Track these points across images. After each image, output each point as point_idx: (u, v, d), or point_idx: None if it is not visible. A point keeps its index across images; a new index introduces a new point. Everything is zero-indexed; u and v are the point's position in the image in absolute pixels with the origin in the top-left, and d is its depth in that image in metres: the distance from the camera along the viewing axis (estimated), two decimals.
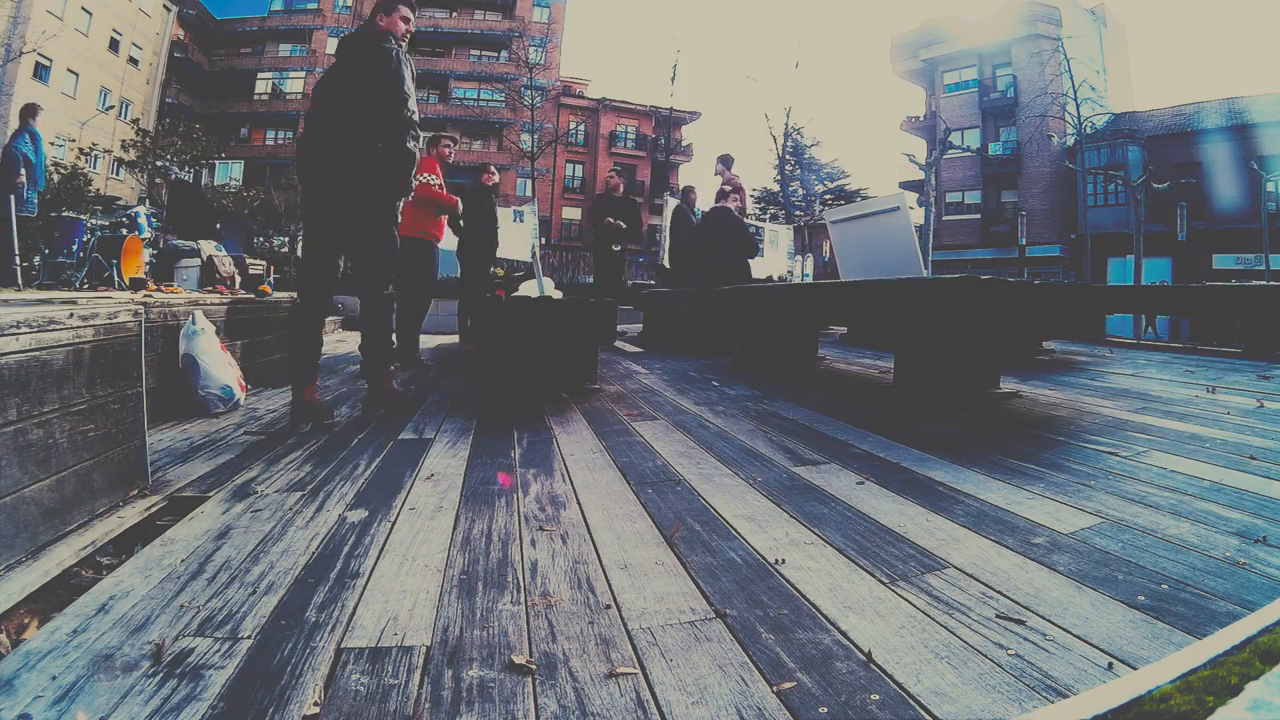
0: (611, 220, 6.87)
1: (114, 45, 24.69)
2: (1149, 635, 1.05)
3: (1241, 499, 1.67)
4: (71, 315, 1.50)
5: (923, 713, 0.88)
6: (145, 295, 3.86)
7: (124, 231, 6.31)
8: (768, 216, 30.57)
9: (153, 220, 7.08)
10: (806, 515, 1.63)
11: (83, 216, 6.78)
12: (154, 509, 1.67)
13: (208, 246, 5.88)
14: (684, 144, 33.46)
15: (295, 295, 2.72)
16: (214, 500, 1.74)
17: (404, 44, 2.75)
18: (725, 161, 6.60)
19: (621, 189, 7.47)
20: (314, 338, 2.67)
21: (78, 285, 5.82)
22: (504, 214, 11.02)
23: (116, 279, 5.70)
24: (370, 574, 1.31)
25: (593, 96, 32.19)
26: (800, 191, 33.00)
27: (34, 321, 1.38)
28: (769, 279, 9.95)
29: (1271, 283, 7.08)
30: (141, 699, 0.91)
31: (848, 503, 1.72)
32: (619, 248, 7.13)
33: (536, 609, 1.17)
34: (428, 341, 6.41)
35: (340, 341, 6.12)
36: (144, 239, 6.42)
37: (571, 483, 1.92)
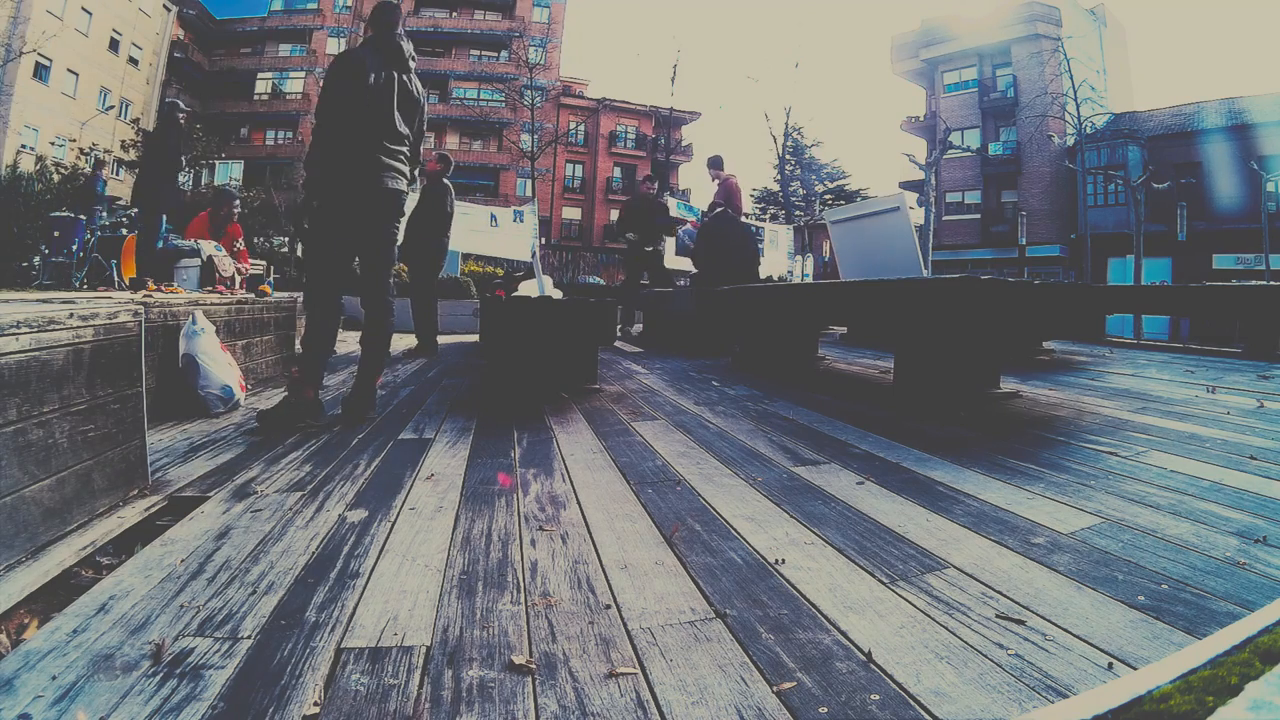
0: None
1: (114, 45, 24.68)
2: (1149, 635, 1.05)
3: (1241, 499, 1.67)
4: (71, 315, 1.50)
5: (923, 713, 0.88)
6: (145, 295, 3.86)
7: (124, 231, 6.31)
8: (768, 216, 30.60)
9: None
10: (806, 515, 1.64)
11: (82, 217, 6.77)
12: (154, 509, 1.67)
13: (208, 246, 5.87)
14: (684, 144, 33.47)
15: (313, 295, 2.72)
16: (214, 500, 1.74)
17: None
18: (716, 163, 6.59)
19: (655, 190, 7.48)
20: (333, 338, 2.79)
21: (78, 285, 5.81)
22: (504, 214, 11.01)
23: (116, 279, 5.70)
24: (370, 574, 1.31)
25: (593, 96, 32.19)
26: (800, 191, 33.02)
27: (34, 321, 1.37)
28: (769, 279, 9.96)
29: (1271, 283, 7.07)
30: (141, 699, 0.91)
31: (848, 503, 1.72)
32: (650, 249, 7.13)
33: (536, 609, 1.17)
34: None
35: (341, 341, 6.11)
36: None
37: (571, 483, 1.92)
